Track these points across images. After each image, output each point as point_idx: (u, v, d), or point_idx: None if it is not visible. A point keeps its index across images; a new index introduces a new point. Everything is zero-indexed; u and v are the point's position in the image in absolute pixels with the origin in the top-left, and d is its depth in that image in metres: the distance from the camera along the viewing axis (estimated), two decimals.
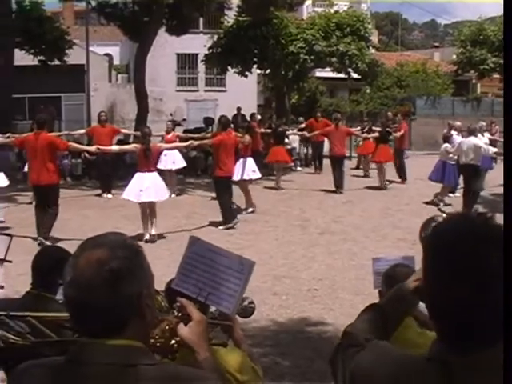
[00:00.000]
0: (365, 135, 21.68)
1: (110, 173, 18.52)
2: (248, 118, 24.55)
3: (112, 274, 1.82)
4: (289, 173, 21.00)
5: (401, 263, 4.19)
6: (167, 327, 2.26)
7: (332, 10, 29.50)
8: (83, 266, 1.84)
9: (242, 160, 15.50)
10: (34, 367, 1.96)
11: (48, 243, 11.25)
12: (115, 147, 15.26)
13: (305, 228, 13.92)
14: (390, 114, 24.01)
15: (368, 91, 40.92)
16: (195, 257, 2.62)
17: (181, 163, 18.47)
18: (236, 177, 14.81)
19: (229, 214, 13.89)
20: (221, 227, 13.66)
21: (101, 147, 13.80)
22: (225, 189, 14.03)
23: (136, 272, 1.88)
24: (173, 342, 2.26)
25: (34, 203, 15.99)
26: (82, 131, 19.16)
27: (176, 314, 2.29)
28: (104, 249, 1.86)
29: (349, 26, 27.54)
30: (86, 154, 18.92)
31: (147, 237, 12.42)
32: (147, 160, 12.53)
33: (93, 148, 13.54)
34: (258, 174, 16.37)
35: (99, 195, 17.99)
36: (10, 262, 4.97)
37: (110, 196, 17.81)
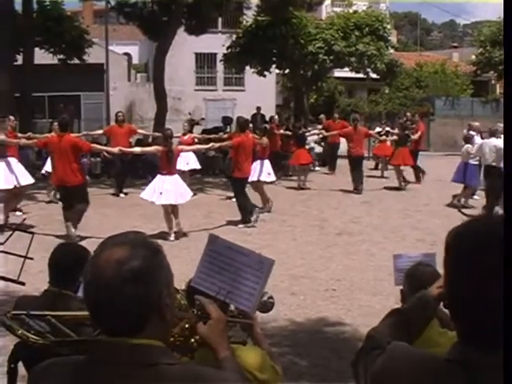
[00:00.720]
0: (383, 137, 21.63)
1: (124, 173, 18.57)
2: (267, 118, 24.57)
3: (132, 274, 1.81)
4: (307, 173, 20.93)
5: (423, 262, 4.15)
6: (187, 326, 2.26)
7: (351, 10, 29.43)
8: (103, 266, 1.83)
9: (259, 161, 15.48)
10: (53, 366, 1.96)
11: (72, 230, 11.37)
12: (137, 149, 15.30)
13: (323, 228, 13.88)
14: (408, 114, 23.93)
15: (387, 91, 40.79)
16: (215, 255, 2.62)
17: (194, 164, 18.44)
18: (251, 178, 14.80)
19: (247, 213, 13.91)
20: (240, 225, 13.69)
21: (123, 148, 13.85)
22: (241, 189, 14.07)
23: (156, 271, 1.88)
24: (192, 340, 2.25)
25: (51, 201, 16.22)
26: (100, 131, 19.21)
27: (195, 312, 2.28)
28: (124, 248, 1.86)
29: (368, 25, 27.47)
30: (105, 154, 18.93)
31: (172, 237, 12.50)
32: (169, 162, 12.56)
33: (115, 149, 13.56)
34: (272, 177, 16.38)
35: (114, 194, 18.04)
36: (32, 259, 4.98)
37: (122, 195, 17.88)
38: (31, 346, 2.23)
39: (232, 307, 2.76)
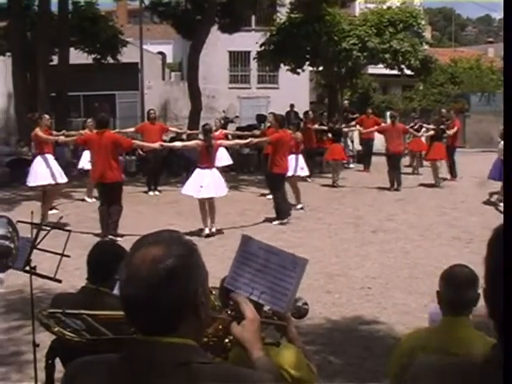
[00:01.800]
0: (421, 133, 21.52)
1: (157, 171, 18.69)
2: (300, 115, 24.54)
3: (167, 272, 1.81)
4: (342, 170, 20.88)
5: (460, 264, 4.06)
6: (220, 326, 2.26)
7: (384, 6, 29.20)
8: (139, 264, 1.83)
9: (293, 156, 15.49)
10: (89, 363, 1.98)
11: (119, 239, 11.48)
12: (178, 143, 15.36)
13: (358, 226, 13.83)
14: (443, 110, 23.72)
15: (421, 88, 40.44)
16: (247, 255, 2.61)
17: (226, 161, 18.51)
18: (288, 173, 14.80)
19: (282, 210, 13.93)
20: (275, 222, 13.71)
21: (164, 143, 13.95)
22: (279, 185, 14.08)
23: (191, 270, 1.88)
24: (226, 340, 2.26)
25: (89, 200, 16.38)
26: (132, 129, 19.37)
27: (229, 312, 2.29)
28: (159, 246, 1.86)
29: (402, 22, 27.24)
30: (140, 151, 19.06)
31: (207, 231, 12.60)
32: (208, 156, 12.67)
33: (156, 144, 13.61)
34: (306, 172, 16.47)
35: (146, 192, 18.14)
36: (69, 256, 5.05)
37: (156, 193, 18.00)
38: (67, 343, 2.25)
39: (266, 308, 2.76)
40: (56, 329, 2.26)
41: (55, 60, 25.28)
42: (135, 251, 1.88)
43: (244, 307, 2.23)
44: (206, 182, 12.55)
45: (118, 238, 11.52)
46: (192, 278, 1.88)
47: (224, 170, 18.46)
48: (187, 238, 1.98)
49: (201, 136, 15.83)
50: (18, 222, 5.41)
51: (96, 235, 11.99)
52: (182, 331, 1.86)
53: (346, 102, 29.22)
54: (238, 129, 24.72)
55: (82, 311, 2.37)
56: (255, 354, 2.15)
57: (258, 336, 2.21)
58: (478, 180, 18.09)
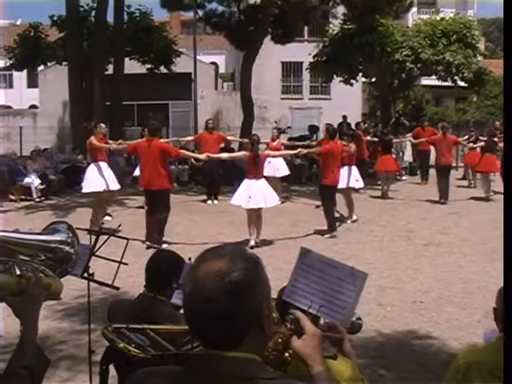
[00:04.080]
0: (471, 145, 21.22)
1: (215, 179, 18.82)
2: (353, 127, 24.45)
3: (233, 286, 1.82)
4: (394, 182, 20.72)
5: None
6: (280, 340, 2.27)
7: (438, 17, 28.94)
8: (203, 278, 1.84)
9: (346, 168, 15.44)
10: (152, 374, 2.00)
11: (165, 246, 11.58)
12: (224, 155, 15.40)
13: (410, 239, 13.71)
14: (497, 123, 23.43)
15: (475, 100, 39.99)
16: (306, 268, 2.62)
17: (284, 171, 18.51)
18: (340, 185, 14.75)
19: (333, 223, 13.90)
20: (326, 235, 13.67)
21: (210, 155, 14.03)
22: (331, 197, 14.05)
23: (256, 283, 1.89)
24: (286, 354, 2.26)
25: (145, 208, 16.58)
26: (190, 138, 19.46)
27: (289, 326, 2.30)
28: (224, 260, 1.87)
29: (455, 33, 26.97)
30: (193, 161, 19.22)
31: (252, 242, 12.61)
32: (256, 167, 12.67)
33: (203, 155, 13.73)
34: (361, 184, 16.41)
35: (204, 201, 18.30)
36: (126, 264, 5.12)
37: (216, 202, 18.12)
38: (131, 358, 2.29)
39: (321, 321, 2.76)
40: (121, 345, 2.30)
41: (110, 70, 25.71)
42: (199, 265, 1.89)
43: (304, 322, 2.23)
44: (253, 193, 12.58)
45: (164, 245, 11.65)
46: (256, 292, 1.89)
47: (281, 180, 18.51)
48: (252, 251, 2.00)
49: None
50: (77, 229, 5.51)
51: (150, 243, 12.10)
52: (247, 345, 1.86)
53: (396, 113, 28.99)
54: (290, 139, 24.73)
55: (145, 326, 2.41)
56: (316, 368, 2.14)
57: (318, 350, 2.20)
58: None
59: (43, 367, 2.25)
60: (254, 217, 12.80)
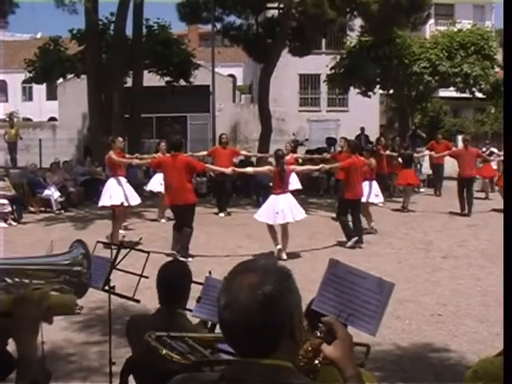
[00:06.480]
0: (492, 158, 21.21)
1: (225, 192, 18.91)
2: (371, 139, 24.45)
3: (265, 298, 1.89)
4: (412, 194, 20.68)
5: None
6: (310, 348, 2.31)
7: (455, 29, 28.92)
8: (237, 291, 1.92)
9: (367, 183, 15.43)
10: (189, 381, 2.06)
11: (190, 259, 11.62)
12: (250, 169, 15.28)
13: (428, 251, 13.68)
14: None
15: (493, 111, 39.84)
16: (335, 279, 2.67)
17: (296, 185, 18.47)
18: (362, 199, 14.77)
19: (350, 232, 13.93)
20: (348, 244, 13.71)
21: (236, 169, 14.06)
22: (354, 210, 14.14)
23: (287, 294, 1.96)
24: (316, 362, 2.30)
25: (162, 220, 16.66)
26: (204, 153, 19.62)
27: (318, 334, 2.35)
28: (256, 273, 1.95)
29: (473, 44, 26.99)
30: (212, 174, 19.31)
31: (284, 256, 12.59)
32: (282, 182, 12.71)
33: (228, 169, 13.71)
34: (380, 199, 16.44)
35: (217, 213, 18.36)
36: (147, 277, 5.16)
37: (221, 215, 18.21)
38: (173, 364, 2.36)
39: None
40: (164, 351, 2.38)
41: (129, 82, 25.88)
42: (232, 278, 1.98)
43: (337, 327, 2.27)
44: (281, 208, 12.59)
45: (189, 259, 11.68)
46: (288, 303, 1.96)
47: (292, 194, 18.50)
48: (282, 264, 2.06)
49: (271, 160, 15.89)
50: (98, 242, 5.57)
51: (170, 255, 12.15)
52: (280, 354, 1.93)
53: (413, 126, 28.97)
54: (308, 152, 24.77)
55: (184, 334, 2.49)
56: (348, 372, 2.19)
57: (350, 354, 2.25)
58: None
59: (46, 381, 2.35)
60: (281, 231, 12.85)
